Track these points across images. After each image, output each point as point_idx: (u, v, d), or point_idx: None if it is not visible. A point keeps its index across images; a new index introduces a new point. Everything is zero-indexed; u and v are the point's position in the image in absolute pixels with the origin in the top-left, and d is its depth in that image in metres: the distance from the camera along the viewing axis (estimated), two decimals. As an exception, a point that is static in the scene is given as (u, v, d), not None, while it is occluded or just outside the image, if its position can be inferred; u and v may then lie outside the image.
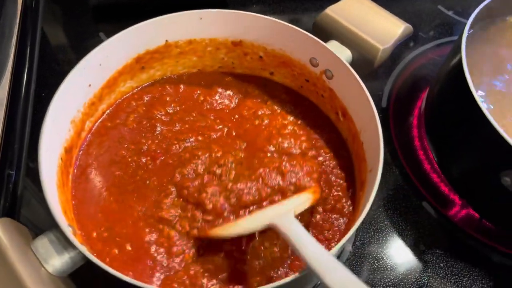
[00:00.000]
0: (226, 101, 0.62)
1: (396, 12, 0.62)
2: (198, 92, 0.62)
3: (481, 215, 0.62)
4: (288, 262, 0.48)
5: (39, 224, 0.60)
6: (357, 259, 0.58)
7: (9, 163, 0.60)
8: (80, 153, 0.55)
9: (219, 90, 0.62)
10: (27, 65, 0.71)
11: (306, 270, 0.39)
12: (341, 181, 0.55)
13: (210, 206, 0.49)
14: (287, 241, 0.41)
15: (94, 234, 0.49)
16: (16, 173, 0.60)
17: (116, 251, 0.48)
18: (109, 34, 0.76)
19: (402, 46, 0.79)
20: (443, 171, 0.64)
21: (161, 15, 0.57)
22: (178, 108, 0.60)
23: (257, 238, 0.49)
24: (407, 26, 0.59)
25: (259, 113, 0.60)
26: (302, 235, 0.41)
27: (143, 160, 0.55)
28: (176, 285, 0.46)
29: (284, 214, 0.44)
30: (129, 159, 0.55)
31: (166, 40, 0.59)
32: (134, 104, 0.60)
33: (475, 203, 0.61)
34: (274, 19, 0.57)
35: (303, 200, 0.48)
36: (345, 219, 0.52)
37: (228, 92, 0.62)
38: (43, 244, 0.40)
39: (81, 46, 0.79)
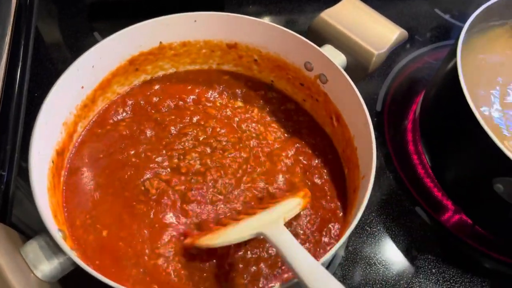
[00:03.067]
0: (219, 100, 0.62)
1: (393, 15, 0.62)
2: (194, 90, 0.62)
3: (474, 221, 0.62)
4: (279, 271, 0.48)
5: (31, 224, 0.59)
6: (349, 264, 0.58)
7: (1, 164, 0.59)
8: (71, 155, 0.54)
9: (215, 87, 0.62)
10: (20, 64, 0.70)
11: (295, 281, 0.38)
12: (331, 189, 0.55)
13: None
14: (277, 250, 0.40)
15: (78, 222, 0.49)
16: (8, 173, 0.60)
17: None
18: (103, 33, 0.75)
19: (398, 49, 0.79)
20: (436, 176, 0.64)
21: (155, 16, 0.57)
22: (172, 105, 0.60)
23: (245, 246, 0.49)
24: (402, 31, 0.59)
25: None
26: (292, 245, 0.40)
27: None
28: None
29: (273, 223, 0.43)
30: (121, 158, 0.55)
31: (160, 42, 0.59)
32: (126, 103, 0.60)
33: (468, 209, 0.61)
34: (269, 23, 0.57)
35: (292, 206, 0.47)
36: (337, 225, 0.52)
37: (222, 90, 0.62)
38: (32, 249, 0.40)
39: (76, 45, 0.78)
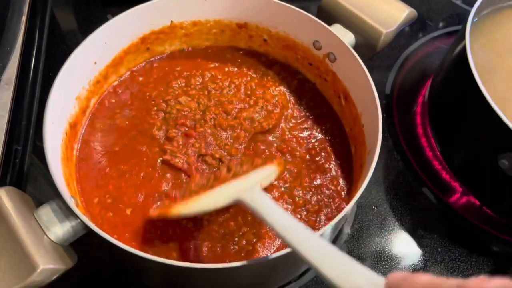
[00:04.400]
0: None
1: (404, 0, 0.62)
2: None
3: (482, 202, 0.62)
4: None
5: (44, 200, 0.61)
6: (354, 241, 0.59)
7: (16, 139, 0.61)
8: (83, 129, 0.56)
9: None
10: (36, 45, 0.72)
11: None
12: (337, 167, 0.56)
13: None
14: (257, 215, 0.39)
15: (96, 200, 0.51)
16: (23, 149, 0.62)
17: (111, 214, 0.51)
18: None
19: (408, 34, 0.79)
20: (445, 159, 0.65)
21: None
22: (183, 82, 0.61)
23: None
24: (411, 10, 0.59)
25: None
26: (272, 208, 0.39)
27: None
28: None
29: (250, 188, 0.42)
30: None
31: (172, 21, 0.60)
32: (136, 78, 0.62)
33: (476, 190, 0.61)
34: (279, 1, 0.58)
35: (269, 173, 0.46)
36: (343, 203, 0.53)
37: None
38: (46, 212, 0.42)
39: (89, 29, 0.79)
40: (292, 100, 0.60)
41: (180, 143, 0.55)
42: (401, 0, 0.61)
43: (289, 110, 0.59)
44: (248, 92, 0.59)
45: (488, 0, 0.60)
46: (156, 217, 0.47)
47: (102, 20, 0.80)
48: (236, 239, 0.50)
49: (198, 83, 0.60)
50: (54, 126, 0.48)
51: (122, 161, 0.54)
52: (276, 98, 0.59)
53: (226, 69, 0.62)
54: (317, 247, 0.33)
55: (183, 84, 0.60)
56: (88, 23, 0.80)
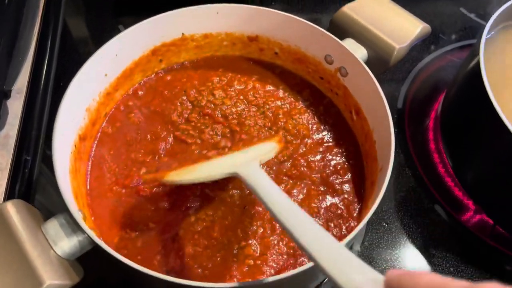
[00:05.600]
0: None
1: (417, 14, 0.61)
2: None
3: (495, 221, 0.61)
4: None
5: (53, 210, 0.61)
6: (364, 259, 0.57)
7: (26, 149, 0.61)
8: (95, 144, 0.56)
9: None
10: (47, 54, 0.72)
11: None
12: (349, 184, 0.54)
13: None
14: (252, 191, 0.38)
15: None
16: (33, 159, 0.62)
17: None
18: (128, 27, 0.77)
19: (421, 47, 0.78)
20: (457, 176, 0.63)
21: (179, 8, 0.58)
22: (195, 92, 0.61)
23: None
24: (425, 26, 0.58)
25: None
26: (268, 185, 0.37)
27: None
28: None
29: (248, 163, 0.40)
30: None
31: (183, 33, 0.60)
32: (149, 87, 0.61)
33: (489, 208, 0.60)
34: (290, 15, 0.58)
35: (269, 149, 0.45)
36: (354, 222, 0.52)
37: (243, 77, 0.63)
38: (53, 226, 0.41)
39: (101, 38, 0.80)
40: (315, 128, 0.58)
41: (201, 124, 0.56)
42: (415, 14, 0.61)
43: (309, 140, 0.57)
44: (273, 118, 0.58)
45: (502, 15, 0.59)
46: (148, 181, 0.47)
47: (114, 29, 0.81)
48: (235, 251, 0.48)
49: (239, 87, 0.60)
50: (64, 137, 0.48)
51: (130, 139, 0.55)
52: (297, 128, 0.57)
53: (267, 88, 0.62)
54: (314, 235, 0.30)
55: (224, 83, 0.61)
56: (100, 32, 0.81)
